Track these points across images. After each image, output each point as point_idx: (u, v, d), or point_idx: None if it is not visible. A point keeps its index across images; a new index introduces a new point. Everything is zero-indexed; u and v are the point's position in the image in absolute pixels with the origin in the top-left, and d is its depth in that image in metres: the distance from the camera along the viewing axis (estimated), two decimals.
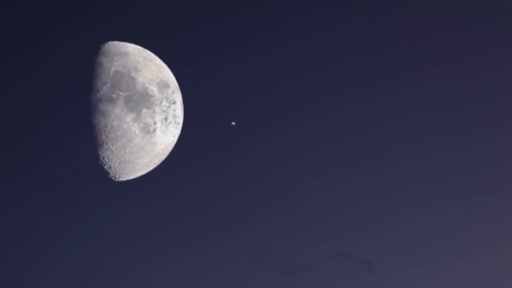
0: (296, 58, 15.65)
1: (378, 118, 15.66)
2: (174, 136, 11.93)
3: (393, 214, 15.67)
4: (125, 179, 11.88)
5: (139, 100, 11.25)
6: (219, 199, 15.36)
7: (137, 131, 11.28)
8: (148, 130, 11.39)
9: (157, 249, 15.00)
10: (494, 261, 15.33)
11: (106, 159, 11.31)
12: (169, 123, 11.74)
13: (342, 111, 16.02)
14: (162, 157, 12.03)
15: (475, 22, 15.83)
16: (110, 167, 11.44)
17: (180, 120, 12.07)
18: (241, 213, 15.35)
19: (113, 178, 11.68)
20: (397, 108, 15.79)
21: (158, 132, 11.55)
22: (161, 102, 11.57)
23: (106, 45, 11.56)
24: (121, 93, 11.14)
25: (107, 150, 11.22)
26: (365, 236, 15.59)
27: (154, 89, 11.51)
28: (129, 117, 11.16)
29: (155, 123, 11.47)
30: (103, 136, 11.11)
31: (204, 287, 14.96)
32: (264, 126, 15.74)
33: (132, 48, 11.72)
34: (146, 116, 11.33)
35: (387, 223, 15.64)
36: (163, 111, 11.62)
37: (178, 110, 11.90)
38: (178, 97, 11.99)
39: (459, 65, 15.65)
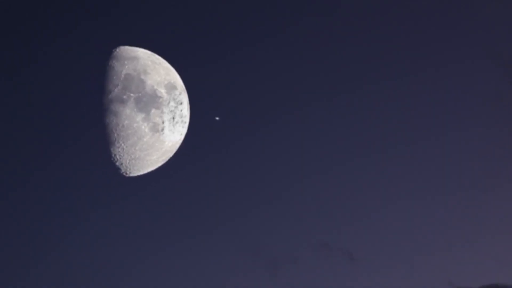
0: (296, 60, 15.69)
1: (366, 117, 15.74)
2: (181, 134, 12.00)
3: (373, 208, 15.73)
4: (135, 174, 11.90)
5: (149, 101, 11.30)
6: (217, 194, 15.48)
7: (147, 130, 11.33)
8: (156, 129, 11.44)
9: (162, 240, 15.05)
10: (470, 252, 15.43)
11: (117, 156, 11.39)
12: (176, 122, 11.78)
13: (330, 110, 16.00)
14: (170, 154, 12.08)
15: (473, 22, 15.83)
16: (121, 164, 11.50)
17: (187, 119, 12.11)
18: (236, 209, 15.47)
19: (124, 174, 11.74)
20: (384, 107, 15.84)
21: (166, 131, 11.58)
22: (169, 102, 11.60)
23: (117, 50, 11.61)
24: (132, 95, 11.19)
25: (119, 147, 11.29)
26: (346, 229, 15.66)
27: (162, 91, 11.56)
28: (139, 117, 11.22)
29: (163, 122, 11.50)
30: (115, 135, 11.18)
31: (194, 280, 15.01)
32: (255, 125, 15.84)
33: (141, 53, 11.77)
34: (155, 116, 11.38)
35: (367, 216, 15.72)
36: (171, 111, 11.64)
37: (184, 110, 11.98)
38: (184, 98, 12.03)
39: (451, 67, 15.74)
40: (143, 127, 11.24)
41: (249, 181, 15.78)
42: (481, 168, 15.63)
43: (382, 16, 15.61)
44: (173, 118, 11.65)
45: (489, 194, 15.44)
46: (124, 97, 11.09)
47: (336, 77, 15.83)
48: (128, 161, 11.48)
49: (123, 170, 11.60)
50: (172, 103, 11.63)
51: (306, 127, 15.84)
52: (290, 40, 15.71)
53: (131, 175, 11.83)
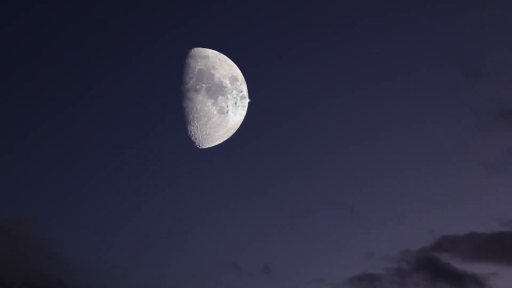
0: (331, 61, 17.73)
1: (367, 114, 17.60)
2: (242, 116, 13.01)
3: (371, 173, 17.74)
4: (206, 146, 12.86)
5: (216, 90, 12.24)
6: (265, 162, 17.49)
7: (215, 112, 12.28)
8: (223, 111, 12.38)
9: (229, 196, 17.32)
10: (448, 207, 17.00)
11: (193, 132, 12.41)
12: (238, 106, 12.69)
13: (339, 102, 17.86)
14: (233, 131, 13.04)
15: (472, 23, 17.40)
16: (196, 138, 12.49)
17: (246, 104, 13.02)
18: (273, 176, 17.63)
19: (198, 146, 12.70)
20: (386, 100, 17.80)
21: (230, 113, 12.53)
22: (232, 91, 12.50)
23: (192, 50, 12.55)
24: (203, 85, 12.11)
25: (194, 126, 12.32)
26: (349, 190, 17.70)
27: (227, 82, 12.46)
28: (209, 102, 12.17)
29: (228, 106, 12.41)
30: (191, 116, 12.20)
31: (236, 224, 17.22)
32: (293, 111, 17.86)
33: (211, 52, 12.73)
34: (221, 101, 12.32)
35: (367, 178, 17.73)
36: (234, 97, 12.54)
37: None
38: (244, 87, 12.93)
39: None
40: (212, 110, 12.24)
41: (285, 153, 17.76)
42: (458, 142, 17.37)
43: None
44: (235, 103, 12.62)
45: (461, 164, 17.20)
46: (198, 87, 12.07)
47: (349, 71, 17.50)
48: (200, 136, 12.47)
49: (197, 143, 12.63)
50: (234, 92, 12.58)
51: (322, 116, 17.87)
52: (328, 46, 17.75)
53: (203, 147, 12.82)
